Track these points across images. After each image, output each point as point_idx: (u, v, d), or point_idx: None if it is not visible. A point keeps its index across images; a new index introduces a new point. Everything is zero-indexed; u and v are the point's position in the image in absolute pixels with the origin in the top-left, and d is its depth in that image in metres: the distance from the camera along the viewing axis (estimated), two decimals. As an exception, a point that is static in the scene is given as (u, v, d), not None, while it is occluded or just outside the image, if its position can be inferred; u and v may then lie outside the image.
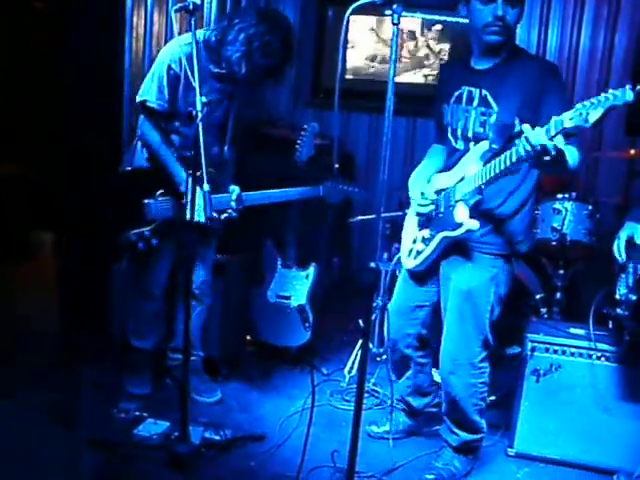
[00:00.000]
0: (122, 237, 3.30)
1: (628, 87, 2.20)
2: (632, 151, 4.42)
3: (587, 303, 3.52)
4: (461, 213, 2.83)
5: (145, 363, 3.67)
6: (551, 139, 2.35)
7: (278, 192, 3.57)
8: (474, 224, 2.79)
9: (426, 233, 3.04)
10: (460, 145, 3.00)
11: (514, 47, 2.94)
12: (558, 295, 4.17)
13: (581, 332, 3.42)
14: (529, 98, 2.77)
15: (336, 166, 4.46)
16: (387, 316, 3.34)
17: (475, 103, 2.92)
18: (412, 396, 3.43)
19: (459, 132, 3.00)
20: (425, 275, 3.15)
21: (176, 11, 2.96)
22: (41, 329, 3.94)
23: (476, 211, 2.83)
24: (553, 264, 4.24)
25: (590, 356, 3.31)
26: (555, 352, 3.34)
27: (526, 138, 2.43)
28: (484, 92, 2.89)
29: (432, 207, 3.00)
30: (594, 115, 2.24)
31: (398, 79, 5.22)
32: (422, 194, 3.02)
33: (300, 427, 3.41)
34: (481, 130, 2.89)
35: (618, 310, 3.04)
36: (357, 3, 2.12)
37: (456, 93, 3.00)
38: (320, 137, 4.21)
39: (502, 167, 2.62)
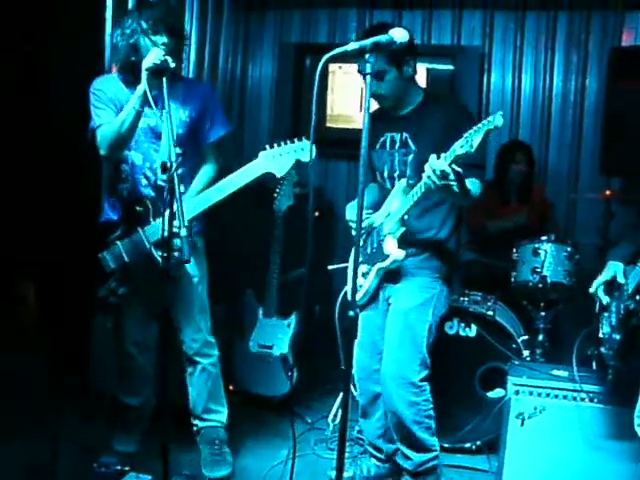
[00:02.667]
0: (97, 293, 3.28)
1: (499, 113, 2.48)
2: (607, 192, 4.47)
3: (569, 344, 3.54)
4: (389, 245, 3.10)
5: (134, 420, 3.52)
6: (451, 164, 2.64)
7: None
8: (400, 254, 3.07)
9: (364, 268, 3.24)
10: (388, 185, 3.26)
11: (425, 94, 3.25)
12: (540, 337, 4.18)
13: (564, 374, 3.41)
14: (442, 136, 2.96)
15: (316, 214, 4.49)
16: (354, 354, 3.34)
17: (397, 146, 3.21)
18: (382, 439, 3.41)
19: (386, 174, 3.26)
20: (373, 305, 3.32)
21: (147, 70, 2.97)
22: (22, 380, 3.89)
23: (407, 242, 3.13)
24: (534, 306, 4.26)
25: (575, 398, 3.29)
26: (539, 395, 3.32)
27: (429, 165, 2.68)
28: (404, 135, 3.17)
29: (370, 220, 3.26)
30: (476, 140, 2.55)
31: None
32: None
33: (284, 477, 3.37)
34: (404, 169, 3.17)
35: (602, 349, 3.03)
36: (329, 54, 2.15)
37: (381, 139, 3.27)
38: (300, 186, 4.23)
39: (416, 197, 2.92)
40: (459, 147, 2.61)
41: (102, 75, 3.45)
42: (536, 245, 4.12)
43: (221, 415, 3.53)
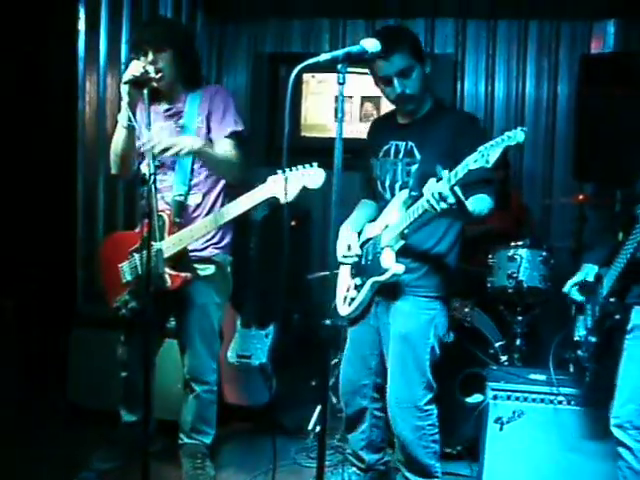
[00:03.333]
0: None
1: (520, 129, 2.38)
2: (580, 196, 4.52)
3: (547, 348, 3.55)
4: (388, 259, 2.96)
5: (127, 437, 3.49)
6: (452, 187, 2.52)
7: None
8: (399, 268, 2.93)
9: (358, 280, 3.14)
10: (388, 196, 3.13)
11: (435, 101, 3.15)
12: (518, 341, 4.21)
13: (542, 377, 3.43)
14: (448, 146, 2.92)
15: (292, 223, 4.50)
16: (341, 368, 3.34)
17: (401, 155, 3.10)
18: (365, 450, 3.37)
19: (387, 184, 3.14)
20: (365, 321, 3.22)
21: (124, 84, 2.98)
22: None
23: (407, 254, 2.99)
24: (511, 311, 4.30)
25: (552, 401, 3.32)
26: (517, 399, 3.34)
27: (428, 188, 2.59)
28: (410, 144, 3.08)
29: (355, 259, 3.12)
30: (493, 155, 2.42)
31: (353, 135, 5.42)
32: (348, 247, 3.11)
33: (266, 488, 3.37)
34: (406, 179, 3.07)
35: (578, 352, 3.06)
36: (302, 64, 2.17)
37: (384, 147, 3.16)
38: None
39: (417, 214, 2.79)
40: (472, 161, 2.48)
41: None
42: (512, 251, 4.15)
43: (208, 437, 3.53)
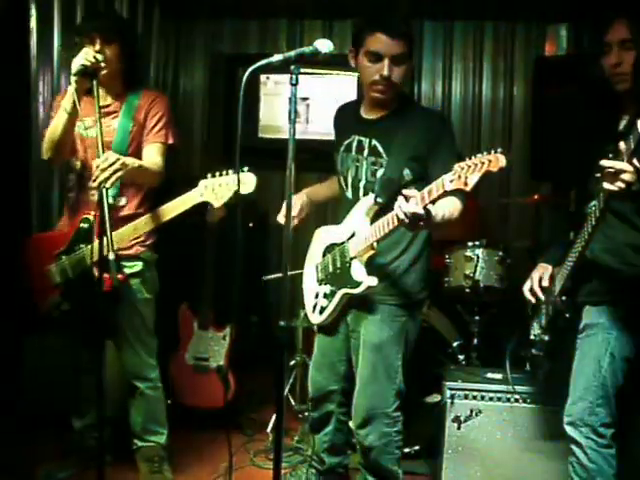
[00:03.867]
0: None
1: (499, 152, 2.27)
2: (536, 196, 4.57)
3: (504, 347, 3.58)
4: (359, 271, 2.87)
5: (77, 443, 3.47)
6: (426, 204, 2.47)
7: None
8: (373, 281, 2.83)
9: (327, 289, 3.05)
10: (350, 194, 3.05)
11: (404, 98, 3.03)
12: (475, 341, 4.24)
13: (498, 376, 3.47)
14: (418, 149, 2.85)
15: (250, 225, 4.48)
16: (309, 373, 3.31)
17: (365, 153, 2.98)
18: (326, 453, 3.34)
19: (349, 181, 3.05)
20: (335, 329, 3.15)
21: (74, 74, 2.94)
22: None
23: (372, 266, 2.89)
24: (468, 310, 4.32)
25: (509, 399, 3.36)
26: (474, 398, 3.38)
27: (399, 206, 2.52)
28: (374, 142, 2.95)
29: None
30: (472, 179, 2.32)
31: (311, 136, 5.42)
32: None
33: (224, 491, 3.35)
34: (373, 180, 2.95)
35: (533, 350, 3.09)
36: (254, 66, 2.16)
37: (346, 142, 3.06)
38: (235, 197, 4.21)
39: (387, 229, 2.71)
40: (448, 181, 2.39)
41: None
42: (468, 251, 4.18)
43: (161, 437, 3.48)
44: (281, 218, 3.00)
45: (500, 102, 5.77)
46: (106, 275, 3.02)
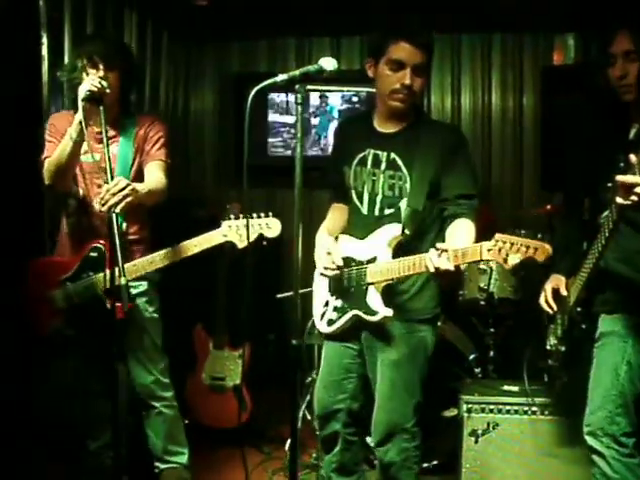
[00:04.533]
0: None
1: (547, 239, 2.33)
2: (548, 207, 4.56)
3: (521, 358, 3.57)
4: (375, 299, 2.84)
5: (92, 465, 3.43)
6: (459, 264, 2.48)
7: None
8: (389, 312, 2.81)
9: (338, 303, 3.01)
10: (365, 209, 3.00)
11: (419, 112, 3.01)
12: (491, 353, 4.22)
13: (515, 388, 3.46)
14: (440, 163, 2.83)
15: (264, 243, 4.47)
16: (315, 390, 3.24)
17: (383, 167, 2.94)
18: (336, 473, 3.23)
19: (365, 196, 2.99)
20: (345, 340, 3.08)
21: (82, 100, 2.95)
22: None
23: (388, 288, 2.87)
24: (483, 323, 4.31)
25: (526, 411, 3.34)
26: (491, 411, 3.37)
27: (431, 260, 2.52)
28: (392, 155, 2.91)
29: (337, 272, 2.96)
30: (513, 259, 2.36)
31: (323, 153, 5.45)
32: (329, 253, 2.97)
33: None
34: (390, 194, 2.91)
35: (549, 361, 3.08)
36: (260, 85, 2.18)
37: (359, 155, 2.99)
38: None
39: (411, 272, 2.70)
40: (486, 250, 2.44)
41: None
42: (482, 263, 4.16)
43: (182, 457, 3.47)
44: (319, 267, 3.01)
45: (510, 113, 5.77)
46: (118, 303, 3.06)
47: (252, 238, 2.90)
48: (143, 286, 3.33)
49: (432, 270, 2.53)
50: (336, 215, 3.21)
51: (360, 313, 2.89)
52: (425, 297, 2.98)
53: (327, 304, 3.08)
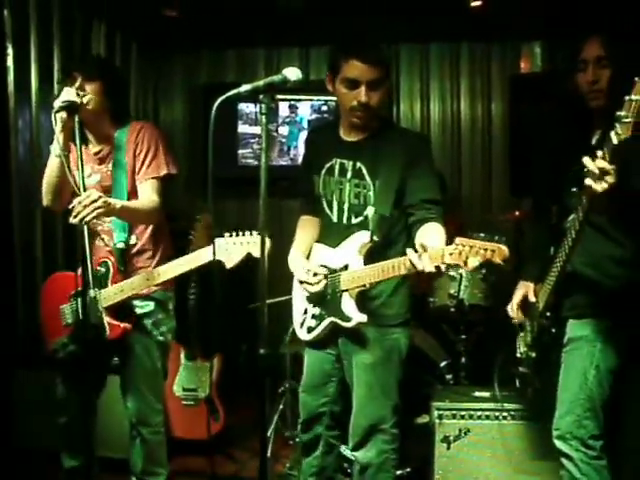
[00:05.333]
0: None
1: (503, 241, 2.40)
2: (517, 212, 4.60)
3: (492, 365, 3.59)
4: (349, 306, 2.89)
5: None
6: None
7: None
8: (363, 317, 2.85)
9: (316, 311, 3.05)
10: (335, 217, 3.04)
11: (383, 120, 3.03)
12: (463, 360, 4.24)
13: (486, 394, 3.48)
14: (404, 171, 2.86)
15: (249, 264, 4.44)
16: (299, 395, 3.30)
17: (349, 175, 2.98)
18: (314, 478, 3.27)
19: (334, 204, 3.04)
20: (325, 347, 3.13)
21: (56, 112, 2.94)
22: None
23: (361, 294, 2.90)
24: (454, 330, 4.33)
25: (497, 417, 3.36)
26: (462, 417, 3.39)
27: (412, 262, 2.53)
28: (358, 164, 2.95)
29: (324, 282, 2.97)
30: (473, 262, 2.38)
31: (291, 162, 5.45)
32: (308, 271, 3.00)
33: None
34: (356, 202, 2.95)
35: (520, 368, 3.10)
36: (224, 96, 2.18)
37: (327, 165, 3.04)
38: (218, 226, 4.22)
39: (388, 275, 2.72)
40: (448, 254, 2.44)
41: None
42: (451, 270, 4.19)
43: (161, 477, 3.40)
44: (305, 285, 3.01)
45: (479, 121, 5.83)
46: (116, 322, 3.06)
47: (240, 257, 2.85)
48: (149, 307, 3.25)
49: (411, 269, 2.55)
50: (305, 229, 3.24)
51: (336, 320, 2.94)
52: (396, 303, 3.02)
53: (306, 312, 3.12)
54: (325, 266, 3.00)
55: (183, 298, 4.27)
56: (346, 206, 3.00)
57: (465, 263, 2.39)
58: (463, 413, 3.38)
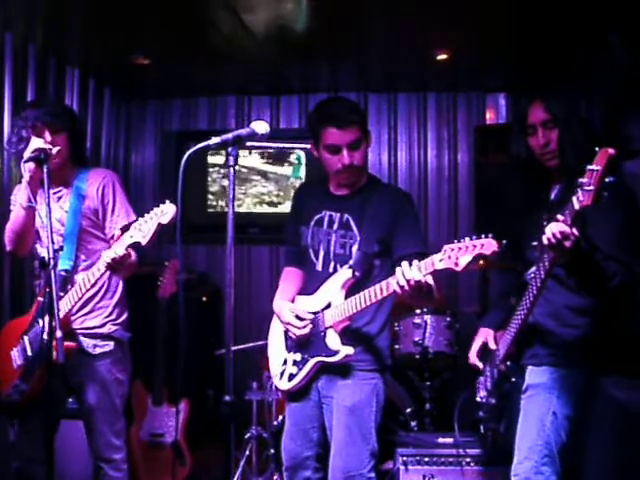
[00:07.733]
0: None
1: (490, 235, 2.45)
2: (481, 262, 4.65)
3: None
4: (334, 340, 2.95)
5: None
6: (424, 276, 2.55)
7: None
8: (349, 350, 2.92)
9: (297, 356, 3.10)
10: (320, 266, 3.13)
11: (369, 176, 3.18)
12: (427, 406, 4.27)
13: (450, 440, 3.52)
14: (388, 224, 2.97)
15: (203, 299, 4.50)
16: (282, 443, 3.29)
17: (336, 226, 3.11)
18: None
19: (321, 254, 3.13)
20: (306, 395, 3.17)
21: (25, 162, 2.99)
22: None
23: (345, 333, 2.97)
24: (419, 376, 4.37)
25: (460, 463, 3.41)
26: (427, 463, 3.42)
27: (402, 272, 2.59)
28: (345, 216, 3.08)
29: (310, 326, 3.04)
30: (463, 260, 2.47)
31: (261, 210, 5.51)
32: (297, 317, 3.07)
33: None
34: (342, 252, 3.06)
35: (480, 413, 3.14)
36: (192, 149, 2.24)
37: (316, 217, 3.16)
38: (187, 272, 4.27)
39: (374, 299, 2.80)
40: (438, 261, 2.53)
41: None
42: (416, 317, 4.25)
43: None
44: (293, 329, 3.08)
45: (445, 170, 5.91)
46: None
47: (152, 229, 2.87)
48: (109, 347, 3.30)
49: (403, 282, 2.60)
50: (288, 280, 3.32)
51: (322, 358, 2.99)
52: (379, 347, 3.08)
53: (285, 362, 3.16)
54: (309, 312, 3.07)
55: (150, 343, 4.29)
56: (332, 256, 3.10)
57: (456, 264, 2.47)
58: (427, 459, 3.43)
